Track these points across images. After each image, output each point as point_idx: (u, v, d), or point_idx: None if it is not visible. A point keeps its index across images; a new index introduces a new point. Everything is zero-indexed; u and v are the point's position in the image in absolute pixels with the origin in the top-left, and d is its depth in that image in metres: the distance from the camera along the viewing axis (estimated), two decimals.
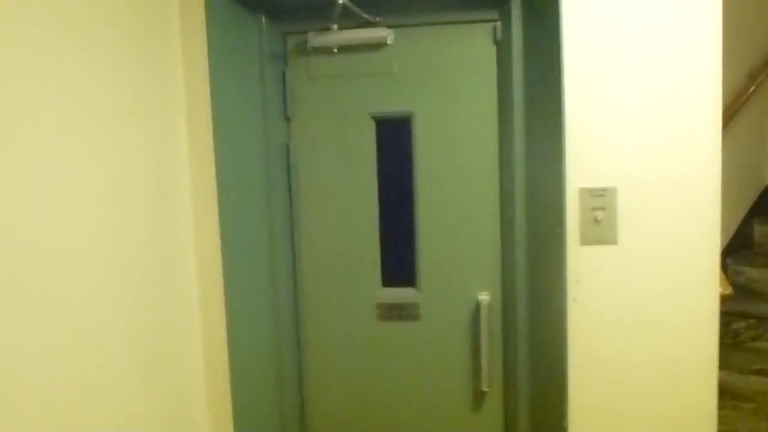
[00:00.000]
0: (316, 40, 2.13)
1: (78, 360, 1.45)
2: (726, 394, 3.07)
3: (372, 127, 2.19)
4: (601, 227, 1.87)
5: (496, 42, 2.10)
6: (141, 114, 1.73)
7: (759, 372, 3.11)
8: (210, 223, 1.97)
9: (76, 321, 1.45)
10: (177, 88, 1.93)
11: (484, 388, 2.16)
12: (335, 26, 2.06)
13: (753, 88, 3.67)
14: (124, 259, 1.63)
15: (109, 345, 1.57)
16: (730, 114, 3.46)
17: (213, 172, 1.96)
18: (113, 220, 1.59)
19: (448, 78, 2.13)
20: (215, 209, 1.97)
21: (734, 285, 3.59)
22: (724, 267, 3.57)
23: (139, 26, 1.74)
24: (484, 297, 2.15)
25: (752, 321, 3.36)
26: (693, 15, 1.81)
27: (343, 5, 1.92)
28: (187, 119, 1.96)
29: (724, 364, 2.94)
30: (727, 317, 3.34)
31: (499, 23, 2.09)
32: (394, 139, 2.19)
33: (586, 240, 1.88)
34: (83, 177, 1.48)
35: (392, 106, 2.17)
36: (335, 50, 2.14)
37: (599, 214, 1.86)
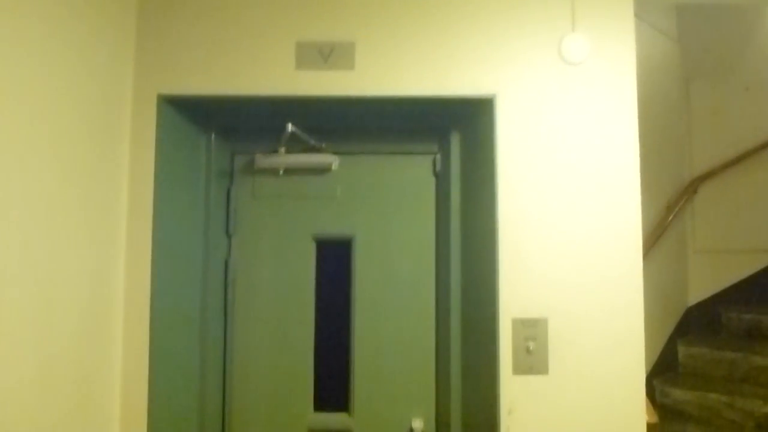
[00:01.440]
0: (263, 161, 2.19)
1: None
2: None
3: (313, 248, 2.23)
4: (533, 357, 1.92)
5: (435, 173, 2.20)
6: (82, 221, 1.72)
7: None
8: (140, 337, 1.93)
9: None
10: (120, 197, 1.93)
11: None
12: (283, 150, 2.14)
13: (671, 218, 3.92)
14: (47, 376, 1.57)
15: None
16: (652, 242, 3.65)
17: (148, 282, 1.94)
18: (39, 333, 1.54)
19: (389, 204, 2.21)
20: (147, 322, 1.93)
21: (661, 406, 3.67)
22: (651, 389, 3.66)
23: (89, 133, 1.75)
24: (417, 424, 2.14)
25: None
26: (615, 154, 1.96)
27: (292, 132, 2.00)
28: (128, 227, 1.95)
29: None
30: None
31: (438, 155, 2.20)
32: (334, 261, 2.23)
33: (518, 369, 1.92)
34: (14, 279, 1.44)
35: (334, 229, 2.22)
36: (281, 172, 2.21)
37: (531, 343, 1.92)
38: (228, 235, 2.22)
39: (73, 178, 1.68)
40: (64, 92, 1.62)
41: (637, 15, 2.02)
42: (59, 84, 1.60)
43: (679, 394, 3.70)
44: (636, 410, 1.93)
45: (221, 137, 2.22)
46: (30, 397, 1.51)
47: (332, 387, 2.20)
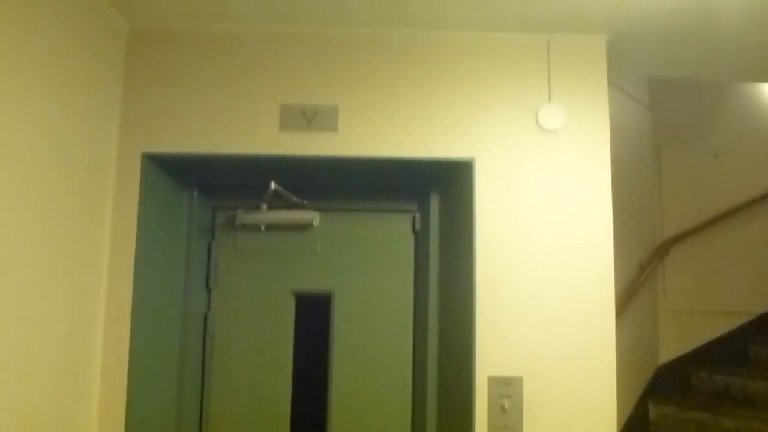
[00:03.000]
0: (244, 217, 2.23)
1: None
2: None
3: (292, 302, 2.25)
4: (508, 415, 1.94)
5: (414, 231, 2.26)
6: (63, 276, 1.73)
7: None
8: (118, 391, 1.92)
9: None
10: (102, 253, 1.95)
11: None
12: (264, 206, 2.18)
13: (643, 277, 4.00)
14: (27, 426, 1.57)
15: None
16: (624, 301, 3.72)
17: (127, 336, 1.94)
18: (19, 385, 1.54)
19: (368, 260, 2.26)
20: (125, 375, 1.93)
21: None
22: None
23: (73, 190, 1.78)
24: None
25: None
26: (589, 216, 2.02)
27: (275, 189, 2.05)
28: (108, 281, 1.96)
29: None
30: None
31: (418, 214, 2.26)
32: (314, 315, 2.26)
33: (493, 427, 1.94)
34: None
35: (314, 284, 2.25)
36: (263, 228, 2.24)
37: (506, 402, 1.94)
38: (208, 289, 2.24)
39: (56, 233, 1.70)
40: (48, 149, 1.65)
41: (611, 81, 2.11)
42: (44, 141, 1.63)
43: None
44: None
45: (204, 193, 2.26)
46: None
47: None
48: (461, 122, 2.04)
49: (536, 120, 2.05)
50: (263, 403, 2.21)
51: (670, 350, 4.40)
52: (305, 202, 2.23)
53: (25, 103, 1.54)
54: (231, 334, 2.23)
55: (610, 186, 2.06)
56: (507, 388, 1.95)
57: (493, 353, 1.96)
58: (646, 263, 4.09)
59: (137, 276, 1.97)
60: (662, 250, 4.30)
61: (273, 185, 2.03)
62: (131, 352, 1.94)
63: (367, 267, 2.26)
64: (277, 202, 2.19)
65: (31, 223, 1.58)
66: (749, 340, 4.35)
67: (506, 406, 1.94)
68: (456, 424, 2.02)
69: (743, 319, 4.40)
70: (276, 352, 2.23)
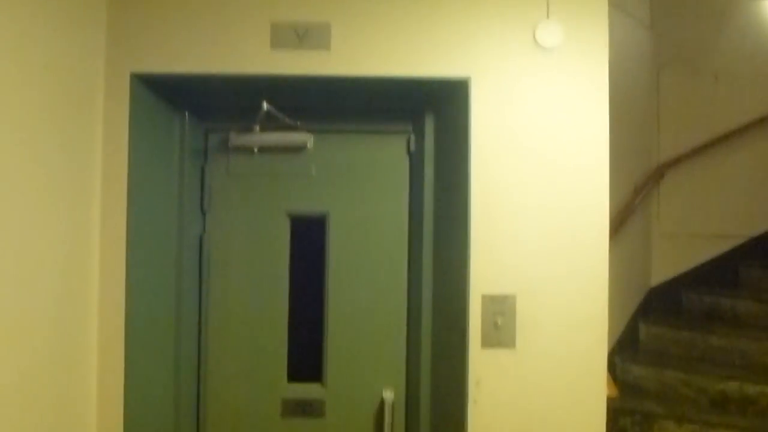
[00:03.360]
0: (237, 139, 2.21)
1: None
2: None
3: (287, 224, 2.26)
4: (501, 332, 1.99)
5: (409, 152, 2.25)
6: (55, 196, 1.72)
7: None
8: (116, 312, 1.95)
9: None
10: (94, 176, 1.94)
11: None
12: (257, 128, 2.16)
13: (638, 201, 4.01)
14: (24, 347, 1.59)
15: (4, 413, 1.51)
16: (619, 223, 3.74)
17: (123, 260, 1.96)
18: (16, 310, 1.55)
19: (363, 182, 2.25)
20: (123, 297, 1.96)
21: (621, 382, 3.78)
22: (613, 366, 3.76)
23: (62, 111, 1.75)
24: (388, 394, 2.20)
25: (638, 417, 3.52)
26: (586, 137, 2.01)
27: (267, 110, 2.02)
28: (102, 207, 1.96)
29: None
30: (615, 414, 3.50)
31: (413, 135, 2.25)
32: (309, 237, 2.27)
33: (486, 343, 1.99)
34: None
35: (308, 207, 2.26)
36: (255, 150, 2.23)
37: (499, 319, 1.98)
38: (203, 212, 2.25)
39: (46, 159, 1.68)
40: (35, 71, 1.62)
41: (611, 1, 2.06)
42: (30, 63, 1.59)
43: (638, 371, 3.82)
44: (597, 384, 2.01)
45: (195, 115, 2.23)
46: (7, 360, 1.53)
47: (306, 359, 2.26)
48: (457, 40, 2.00)
49: (533, 37, 2.01)
50: (261, 323, 2.25)
51: (662, 272, 4.47)
52: (298, 123, 2.20)
53: (7, 23, 1.49)
54: (227, 256, 2.25)
55: (608, 107, 2.03)
56: (500, 306, 1.99)
57: (487, 272, 1.99)
58: (641, 186, 4.10)
59: (131, 200, 1.97)
60: (657, 174, 4.31)
61: (265, 106, 2.00)
62: (128, 276, 1.96)
63: (362, 189, 2.26)
64: (270, 124, 2.16)
65: (20, 150, 1.56)
66: (740, 262, 4.41)
67: (499, 323, 1.98)
68: (450, 341, 2.07)
69: (735, 242, 4.45)
70: (272, 273, 2.25)
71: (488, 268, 1.99)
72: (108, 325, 1.95)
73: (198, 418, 2.23)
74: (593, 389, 2.01)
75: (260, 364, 2.24)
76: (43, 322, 1.68)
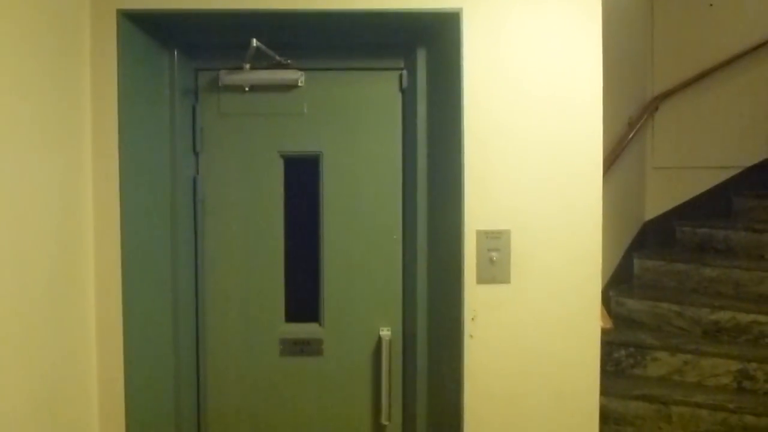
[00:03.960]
0: (227, 78, 2.17)
1: None
2: (608, 419, 3.28)
3: (281, 164, 2.24)
4: (496, 267, 2.00)
5: (402, 89, 2.21)
6: (45, 139, 1.70)
7: (639, 397, 3.33)
8: (111, 254, 1.96)
9: None
10: (84, 117, 1.91)
11: (384, 422, 2.22)
12: (248, 66, 2.12)
13: (632, 134, 4.00)
14: (20, 285, 1.60)
15: (2, 381, 1.53)
16: (613, 157, 3.74)
17: (117, 202, 1.95)
18: (10, 252, 1.55)
19: (356, 120, 2.23)
20: (118, 241, 1.96)
21: (616, 316, 3.86)
22: (607, 299, 3.83)
23: (48, 51, 1.72)
24: (385, 332, 2.23)
25: (632, 349, 3.61)
26: (579, 69, 1.99)
27: (257, 47, 1.98)
28: (93, 149, 1.94)
29: (607, 390, 3.16)
30: (609, 346, 3.58)
31: (404, 72, 2.21)
32: (302, 177, 2.26)
33: (482, 279, 2.00)
34: None
35: (301, 146, 2.24)
36: (247, 89, 2.19)
37: (494, 254, 2.00)
38: (195, 152, 2.22)
39: (35, 102, 1.65)
40: (18, 10, 1.57)
41: None
42: (13, 4, 1.55)
43: (632, 304, 3.89)
44: (591, 317, 2.04)
45: (184, 54, 2.18)
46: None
47: (303, 299, 2.27)
48: None
49: None
50: (257, 262, 2.25)
51: (656, 206, 4.50)
52: (289, 61, 2.16)
53: None
54: (221, 196, 2.24)
55: (601, 38, 2.00)
56: (495, 242, 2.00)
57: (482, 208, 1.99)
58: (635, 120, 4.08)
59: (122, 142, 1.95)
60: (652, 107, 4.28)
61: (254, 42, 1.95)
62: (122, 218, 1.95)
63: (355, 127, 2.23)
64: (260, 62, 2.12)
65: (8, 94, 1.53)
66: (733, 192, 4.44)
67: (494, 259, 2.00)
68: (445, 277, 2.09)
69: (729, 173, 4.46)
70: (267, 214, 2.25)
71: (482, 204, 1.99)
72: (105, 262, 1.96)
73: (198, 360, 2.26)
74: (588, 322, 2.04)
75: (257, 306, 2.26)
76: (40, 261, 1.68)
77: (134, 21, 1.97)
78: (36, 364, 1.67)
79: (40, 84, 1.68)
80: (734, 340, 3.56)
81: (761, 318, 3.51)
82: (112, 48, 1.93)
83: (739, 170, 4.44)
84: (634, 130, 4.01)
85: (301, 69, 2.19)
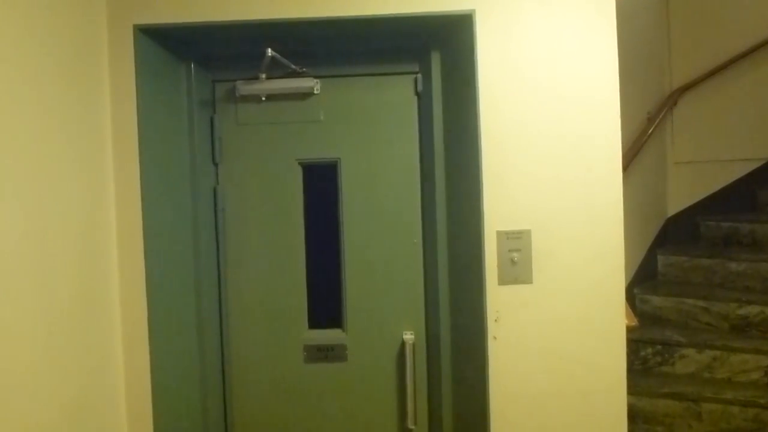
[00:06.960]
0: (244, 88, 2.19)
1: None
2: (637, 417, 3.25)
3: (299, 172, 2.26)
4: (518, 267, 1.99)
5: (417, 93, 2.22)
6: (70, 154, 1.73)
7: (667, 395, 3.29)
8: (136, 266, 1.98)
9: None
10: (105, 133, 1.93)
11: (410, 426, 2.22)
12: (263, 76, 2.14)
13: (652, 129, 3.96)
14: (47, 300, 1.62)
15: (32, 388, 1.55)
16: (633, 153, 3.71)
17: (140, 215, 1.97)
18: (36, 266, 1.58)
19: (372, 126, 2.24)
20: (141, 253, 1.98)
21: (641, 313, 3.82)
22: (631, 297, 3.80)
23: (69, 68, 1.74)
24: (409, 336, 2.23)
25: (659, 347, 3.57)
26: (595, 66, 1.98)
27: (272, 57, 1.99)
28: (114, 163, 1.96)
29: (634, 389, 3.13)
30: (635, 345, 3.55)
31: (420, 75, 2.21)
32: (321, 184, 2.27)
33: (503, 280, 2.00)
34: (7, 224, 1.47)
35: (319, 153, 2.25)
36: (263, 98, 2.21)
37: (515, 255, 1.99)
38: (215, 163, 2.24)
39: (57, 117, 1.68)
40: (38, 29, 1.60)
41: None
42: (33, 21, 1.58)
43: (657, 301, 3.85)
44: (616, 315, 2.02)
45: (201, 66, 2.21)
46: (28, 313, 1.56)
47: (326, 306, 2.28)
48: None
49: None
50: (279, 270, 2.27)
51: (678, 201, 4.45)
52: (304, 69, 2.18)
53: None
54: (242, 205, 2.26)
55: (616, 34, 1.99)
56: (516, 242, 1.99)
57: (501, 208, 1.98)
58: (654, 115, 4.04)
59: (143, 154, 1.96)
60: (671, 101, 4.24)
61: (269, 52, 1.97)
62: (145, 230, 1.97)
63: (372, 132, 2.24)
64: (276, 71, 2.14)
65: (28, 108, 1.55)
66: (757, 185, 4.37)
67: (516, 259, 1.99)
68: (467, 279, 2.08)
69: (752, 166, 4.39)
70: (288, 222, 2.26)
71: (502, 205, 1.98)
72: (130, 275, 1.98)
73: (223, 369, 2.27)
74: (613, 320, 2.02)
75: (281, 313, 2.27)
76: (66, 274, 1.71)
77: (150, 35, 1.99)
78: (65, 374, 1.69)
79: (62, 100, 1.71)
80: (764, 335, 3.51)
81: None
82: (130, 63, 1.96)
83: (763, 162, 4.37)
84: (654, 125, 3.97)
85: (316, 77, 2.21)
